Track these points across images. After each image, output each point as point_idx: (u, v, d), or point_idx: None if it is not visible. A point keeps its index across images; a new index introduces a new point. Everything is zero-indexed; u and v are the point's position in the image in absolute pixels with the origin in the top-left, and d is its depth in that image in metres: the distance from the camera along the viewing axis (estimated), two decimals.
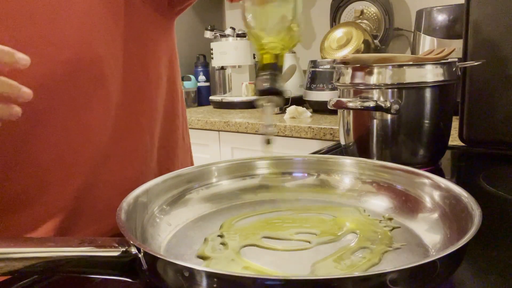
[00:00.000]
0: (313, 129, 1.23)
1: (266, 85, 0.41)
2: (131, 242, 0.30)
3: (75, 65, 0.48)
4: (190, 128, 1.54)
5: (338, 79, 0.67)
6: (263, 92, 0.42)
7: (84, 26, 0.49)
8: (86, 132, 0.51)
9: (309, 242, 0.39)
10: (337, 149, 0.82)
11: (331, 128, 1.19)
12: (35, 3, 0.45)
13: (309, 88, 1.50)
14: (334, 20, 1.67)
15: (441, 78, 0.61)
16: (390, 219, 0.43)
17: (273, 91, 0.42)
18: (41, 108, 0.46)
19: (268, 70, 0.42)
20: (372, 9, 1.59)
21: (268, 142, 0.44)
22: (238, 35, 1.74)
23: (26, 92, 0.38)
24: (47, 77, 0.46)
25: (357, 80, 0.63)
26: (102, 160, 0.54)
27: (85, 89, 0.50)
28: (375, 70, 0.61)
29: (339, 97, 0.68)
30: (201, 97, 2.02)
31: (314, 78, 1.49)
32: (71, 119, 0.49)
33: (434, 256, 0.26)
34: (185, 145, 0.70)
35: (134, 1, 0.53)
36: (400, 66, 0.61)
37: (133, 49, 0.55)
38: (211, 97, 1.85)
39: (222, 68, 1.85)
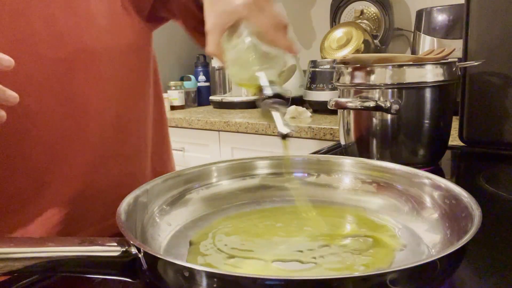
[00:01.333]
0: (313, 129, 1.23)
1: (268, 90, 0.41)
2: (131, 242, 0.30)
3: (70, 65, 0.47)
4: (190, 128, 1.55)
5: (338, 79, 0.67)
6: (267, 98, 0.42)
7: (79, 25, 0.48)
8: (83, 133, 0.50)
9: (309, 242, 0.39)
10: (337, 149, 0.82)
11: (331, 128, 1.19)
12: (28, 1, 0.44)
13: (309, 88, 1.50)
14: (334, 20, 1.66)
15: (441, 78, 0.61)
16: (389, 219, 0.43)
17: (276, 95, 0.41)
18: (36, 108, 0.45)
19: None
20: (372, 9, 1.59)
21: (284, 137, 0.43)
22: None
23: (12, 95, 0.35)
24: (40, 76, 0.45)
25: (357, 80, 0.63)
26: (99, 161, 0.53)
27: (81, 89, 0.49)
28: (375, 70, 0.61)
29: (339, 97, 0.68)
30: (201, 97, 2.02)
31: (314, 78, 1.49)
32: (68, 120, 0.48)
33: (434, 256, 0.26)
34: (171, 151, 0.72)
35: (116, 5, 0.53)
36: (400, 66, 0.61)
37: (124, 52, 0.54)
38: (211, 97, 1.85)
39: (222, 68, 1.85)
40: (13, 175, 0.46)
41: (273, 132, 1.31)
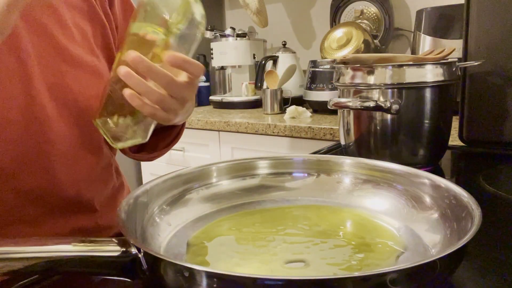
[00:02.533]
0: (313, 129, 1.23)
1: None
2: (131, 242, 0.30)
3: (85, 83, 0.54)
4: (190, 128, 1.55)
5: (338, 79, 0.67)
6: None
7: (94, 52, 0.55)
8: (92, 134, 0.56)
9: (308, 242, 0.39)
10: (337, 149, 0.82)
11: (331, 128, 1.19)
12: (48, 19, 0.51)
13: (309, 88, 1.50)
14: (334, 20, 1.66)
15: (441, 78, 0.61)
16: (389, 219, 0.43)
17: None
18: (54, 116, 0.51)
19: None
20: (372, 9, 1.59)
21: None
22: (238, 35, 1.74)
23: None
24: (60, 89, 0.52)
25: (357, 80, 0.63)
26: (104, 162, 0.59)
27: (90, 103, 0.54)
28: (375, 70, 0.61)
29: (339, 97, 0.68)
30: (201, 97, 2.02)
31: (314, 78, 1.49)
32: (76, 128, 0.54)
33: (434, 256, 0.26)
34: None
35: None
36: (400, 66, 0.61)
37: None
38: (211, 97, 1.85)
39: (222, 68, 1.85)
40: (30, 173, 0.50)
41: (273, 132, 1.31)
